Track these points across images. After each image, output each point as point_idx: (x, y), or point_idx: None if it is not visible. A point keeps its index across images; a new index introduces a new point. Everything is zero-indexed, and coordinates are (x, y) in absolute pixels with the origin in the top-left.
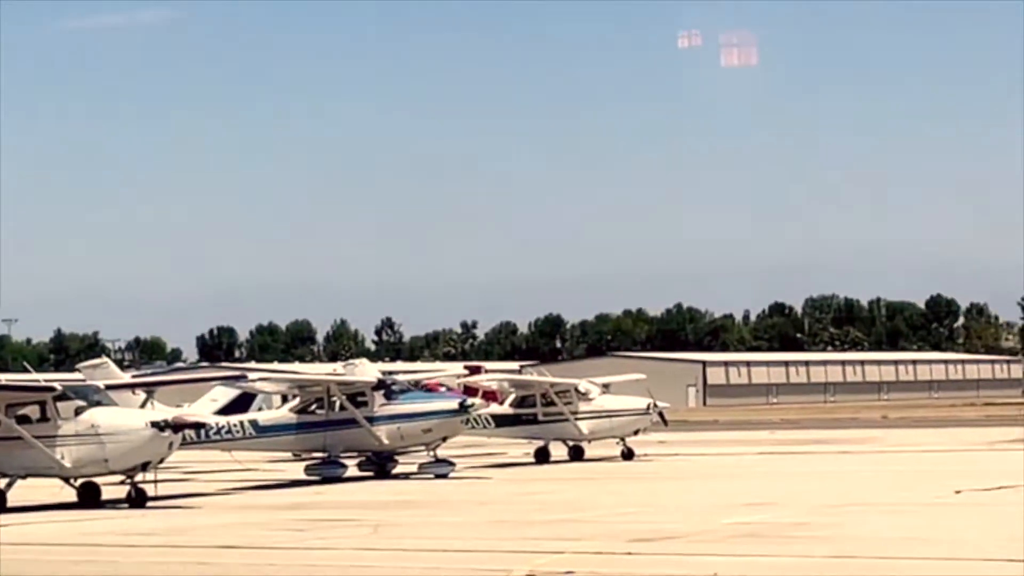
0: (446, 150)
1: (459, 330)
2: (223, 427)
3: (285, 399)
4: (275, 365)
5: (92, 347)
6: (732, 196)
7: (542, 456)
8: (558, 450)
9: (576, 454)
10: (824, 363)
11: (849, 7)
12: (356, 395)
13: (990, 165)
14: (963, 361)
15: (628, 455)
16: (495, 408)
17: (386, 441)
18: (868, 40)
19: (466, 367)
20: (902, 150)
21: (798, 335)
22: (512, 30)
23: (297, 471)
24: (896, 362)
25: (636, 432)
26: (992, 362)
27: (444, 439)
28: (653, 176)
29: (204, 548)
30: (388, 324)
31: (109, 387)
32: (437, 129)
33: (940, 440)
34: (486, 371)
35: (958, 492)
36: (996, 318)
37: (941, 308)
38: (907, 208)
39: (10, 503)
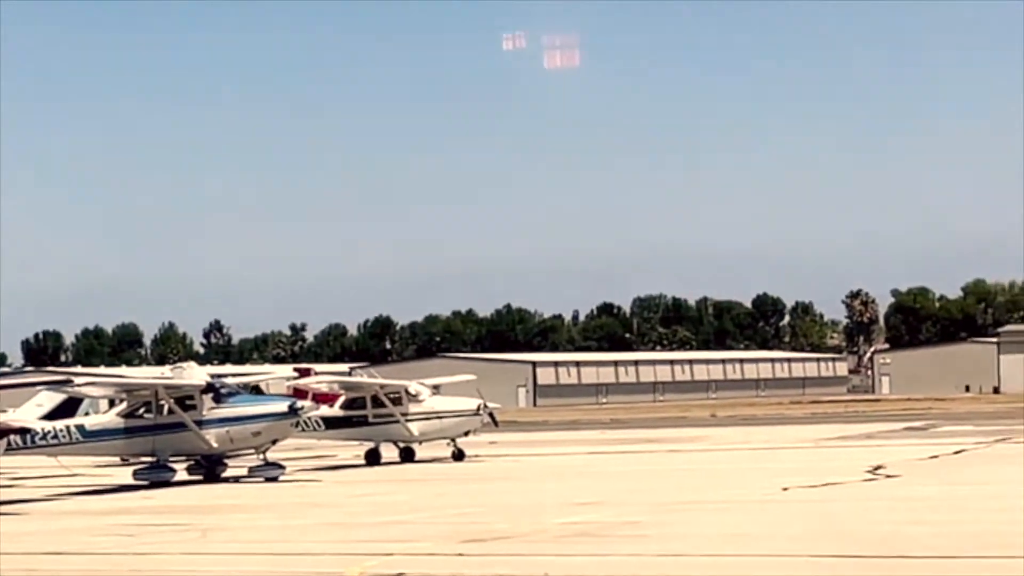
0: (261, 148)
1: (288, 332)
2: (49, 432)
3: (112, 403)
4: (102, 369)
5: None
6: (558, 197)
7: (373, 458)
8: (389, 452)
9: (407, 455)
10: (653, 363)
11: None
12: (184, 398)
13: (816, 165)
14: (789, 359)
15: (459, 456)
16: (325, 410)
17: (215, 444)
18: (698, 41)
19: (296, 369)
20: (726, 149)
21: (627, 335)
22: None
23: (125, 476)
24: (724, 361)
25: (467, 433)
26: (818, 360)
27: (274, 442)
28: (481, 177)
29: (31, 555)
30: (216, 327)
31: None
32: (258, 126)
33: (767, 438)
34: (316, 373)
35: (785, 489)
36: (821, 316)
37: (767, 307)
38: (733, 208)
39: None
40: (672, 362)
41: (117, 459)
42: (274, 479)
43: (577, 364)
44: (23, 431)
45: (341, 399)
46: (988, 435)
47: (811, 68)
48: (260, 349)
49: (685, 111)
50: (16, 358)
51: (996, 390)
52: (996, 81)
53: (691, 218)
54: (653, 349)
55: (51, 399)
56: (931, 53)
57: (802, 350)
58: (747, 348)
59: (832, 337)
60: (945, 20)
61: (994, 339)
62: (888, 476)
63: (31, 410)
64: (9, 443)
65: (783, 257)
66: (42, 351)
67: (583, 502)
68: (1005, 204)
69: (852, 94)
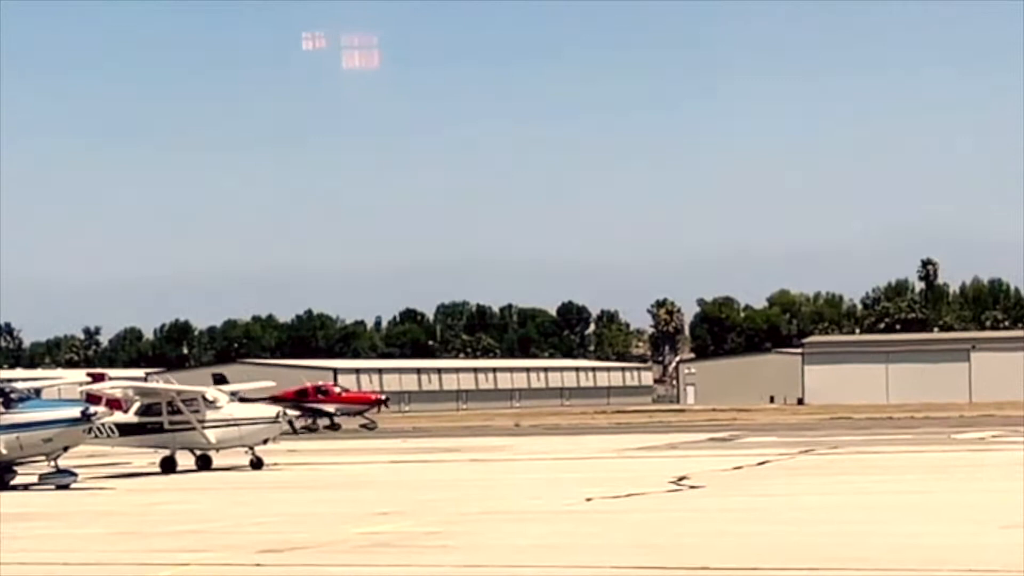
0: (66, 149)
1: (82, 336)
2: None
3: None
4: None
5: None
6: (361, 201)
7: (168, 466)
8: (185, 459)
9: (204, 463)
10: (456, 370)
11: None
12: None
13: (612, 173)
14: (594, 368)
15: (257, 464)
16: (119, 416)
17: (4, 451)
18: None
19: (89, 374)
20: (525, 160)
21: (430, 342)
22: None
23: None
24: (528, 369)
25: (265, 441)
26: (623, 369)
27: (66, 449)
28: (279, 179)
29: None
30: (7, 330)
31: None
32: (54, 127)
33: (572, 448)
34: (110, 379)
35: (589, 500)
36: (627, 326)
37: (572, 315)
38: (539, 215)
39: None
40: (476, 370)
41: None
42: (66, 487)
43: (379, 371)
44: None
45: (136, 405)
46: (792, 446)
47: (602, 72)
48: (52, 353)
49: (481, 111)
50: None
51: (800, 401)
52: (784, 100)
53: (496, 225)
54: (457, 357)
55: None
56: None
57: (607, 359)
58: (552, 356)
59: (637, 346)
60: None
61: (798, 350)
62: (692, 487)
63: None
64: None
65: (588, 265)
66: None
67: (384, 512)
68: (808, 217)
69: (653, 99)
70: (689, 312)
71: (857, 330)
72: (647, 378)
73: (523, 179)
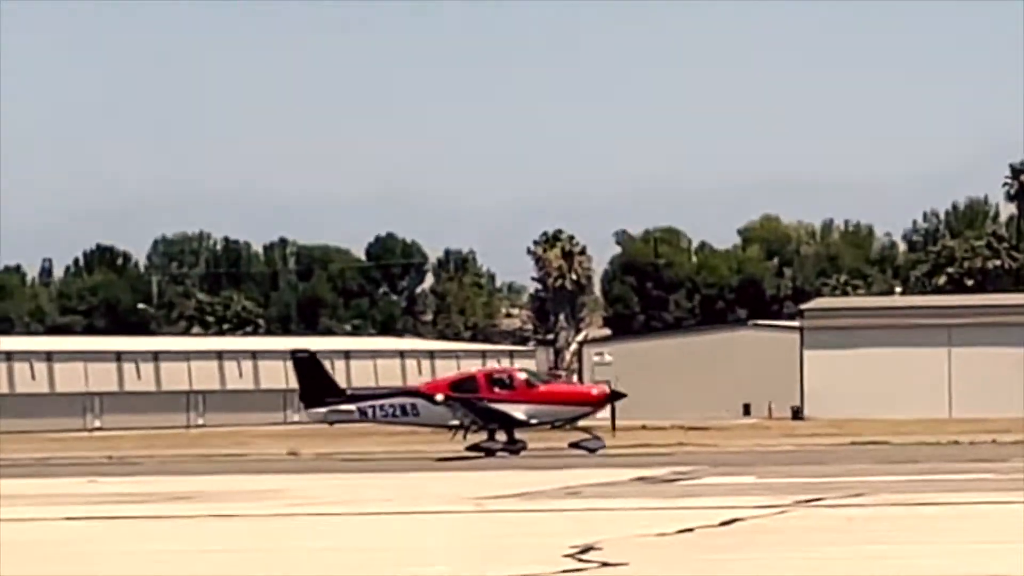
0: None
1: None
2: None
3: None
4: None
5: None
6: None
7: None
8: None
9: None
10: (186, 355)
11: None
12: None
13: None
14: (431, 353)
15: None
16: None
17: None
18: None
19: None
20: None
21: (141, 305)
22: None
23: None
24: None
25: None
26: (482, 355)
27: None
28: None
29: None
30: None
31: None
32: None
33: (393, 495)
34: None
35: None
36: (491, 278)
37: (393, 260)
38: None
39: None
40: (221, 356)
41: None
42: None
43: (47, 356)
44: None
45: None
46: (781, 492)
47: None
48: None
49: None
50: None
51: (797, 412)
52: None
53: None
54: (187, 332)
55: None
56: None
57: (454, 337)
58: (356, 332)
59: (510, 315)
60: None
61: (794, 323)
62: (604, 566)
63: None
64: None
65: (424, 177)
66: None
67: None
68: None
69: None
70: (602, 256)
71: (897, 288)
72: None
73: None
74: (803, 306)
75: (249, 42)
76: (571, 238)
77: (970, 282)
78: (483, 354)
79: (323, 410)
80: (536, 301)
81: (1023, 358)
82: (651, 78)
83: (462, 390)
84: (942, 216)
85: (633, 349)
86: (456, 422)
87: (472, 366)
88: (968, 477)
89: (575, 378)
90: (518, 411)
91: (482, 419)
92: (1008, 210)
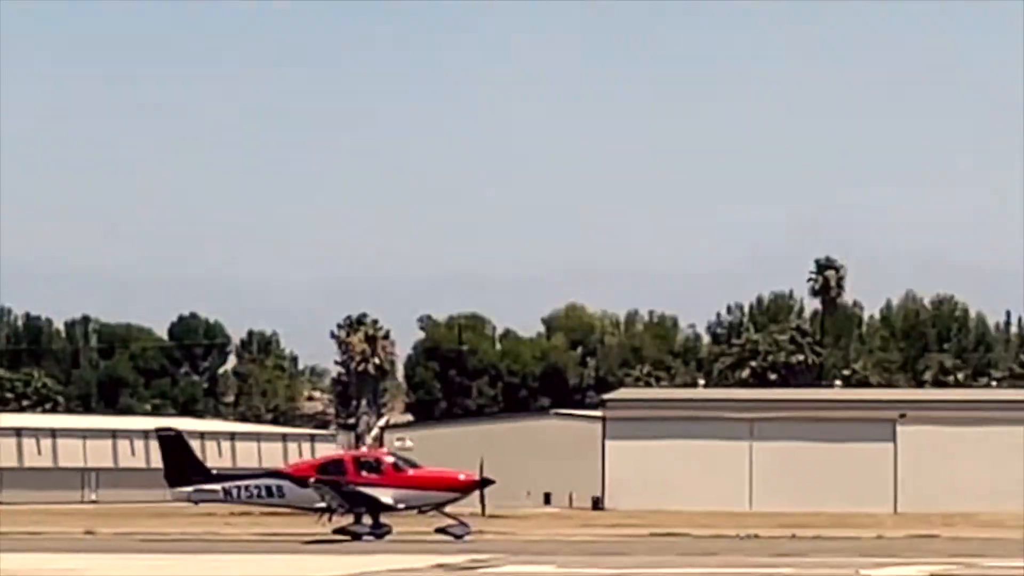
0: None
1: None
2: None
3: None
4: None
5: None
6: None
7: None
8: None
9: None
10: None
11: None
12: None
13: None
14: (231, 435)
15: None
16: None
17: None
18: None
19: None
20: None
21: None
22: None
23: None
24: (115, 433)
25: None
26: (283, 438)
27: None
28: None
29: None
30: None
31: None
32: None
33: None
34: None
35: None
36: (294, 361)
37: (195, 340)
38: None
39: None
40: (19, 433)
41: None
42: None
43: None
44: None
45: None
46: None
47: None
48: None
49: None
50: None
51: (598, 503)
52: None
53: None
54: None
55: None
56: None
57: (256, 419)
58: (157, 412)
59: (312, 397)
60: None
61: (596, 412)
62: None
63: None
64: None
65: (228, 262)
66: None
67: None
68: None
69: None
70: (406, 341)
71: (701, 381)
72: (328, 453)
73: None
74: (606, 396)
75: (44, 114)
76: (375, 322)
77: (773, 376)
78: (284, 437)
79: (188, 489)
80: (338, 385)
81: (824, 453)
82: (457, 164)
83: (329, 472)
84: (746, 309)
85: (435, 435)
86: (323, 504)
87: (273, 449)
88: (765, 571)
89: None
90: (386, 495)
91: (349, 502)
92: (812, 305)
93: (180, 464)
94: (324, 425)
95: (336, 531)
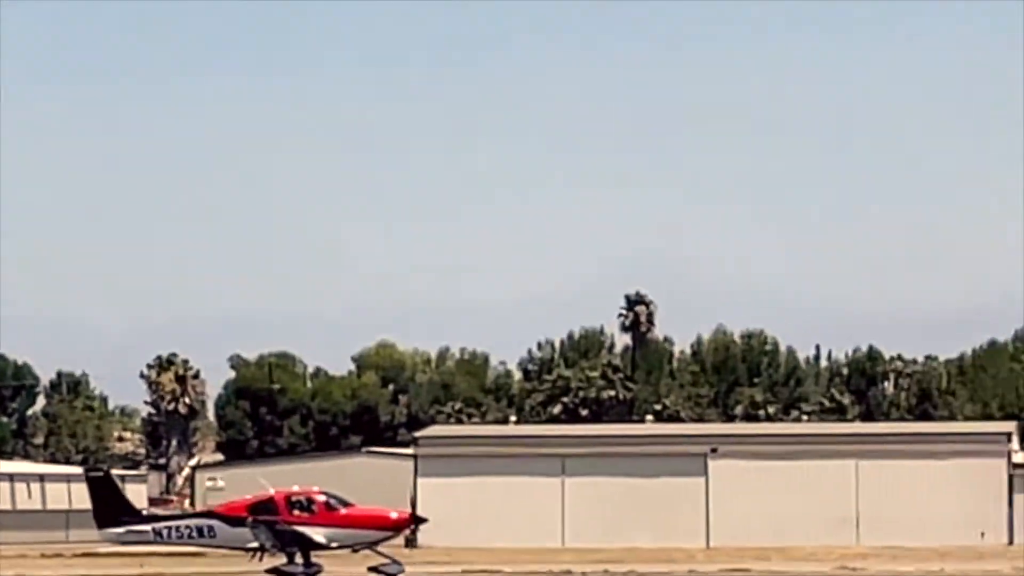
0: None
1: None
2: None
3: None
4: None
5: None
6: None
7: None
8: None
9: None
10: None
11: None
12: None
13: None
14: (41, 478)
15: None
16: None
17: None
18: None
19: None
20: None
21: None
22: None
23: None
24: None
25: None
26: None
27: None
28: None
29: None
30: None
31: None
32: None
33: None
34: None
35: None
36: (103, 401)
37: (3, 380)
38: None
39: None
40: None
41: None
42: None
43: None
44: None
45: None
46: None
47: None
48: None
49: None
50: None
51: (411, 540)
52: None
53: None
54: None
55: None
56: None
57: (65, 460)
58: None
59: (122, 438)
60: None
61: (408, 450)
62: None
63: None
64: None
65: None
66: None
67: None
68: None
69: None
70: (216, 381)
71: (512, 417)
72: (139, 495)
73: None
74: (417, 434)
75: None
76: (185, 362)
77: (585, 412)
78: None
79: (118, 530)
80: (149, 425)
81: (636, 488)
82: (263, 202)
83: (261, 512)
84: (557, 345)
85: (246, 474)
86: (255, 544)
87: (85, 491)
88: None
89: (187, 504)
90: (318, 534)
91: (282, 542)
92: (623, 340)
93: (109, 505)
94: (135, 465)
95: (269, 571)
